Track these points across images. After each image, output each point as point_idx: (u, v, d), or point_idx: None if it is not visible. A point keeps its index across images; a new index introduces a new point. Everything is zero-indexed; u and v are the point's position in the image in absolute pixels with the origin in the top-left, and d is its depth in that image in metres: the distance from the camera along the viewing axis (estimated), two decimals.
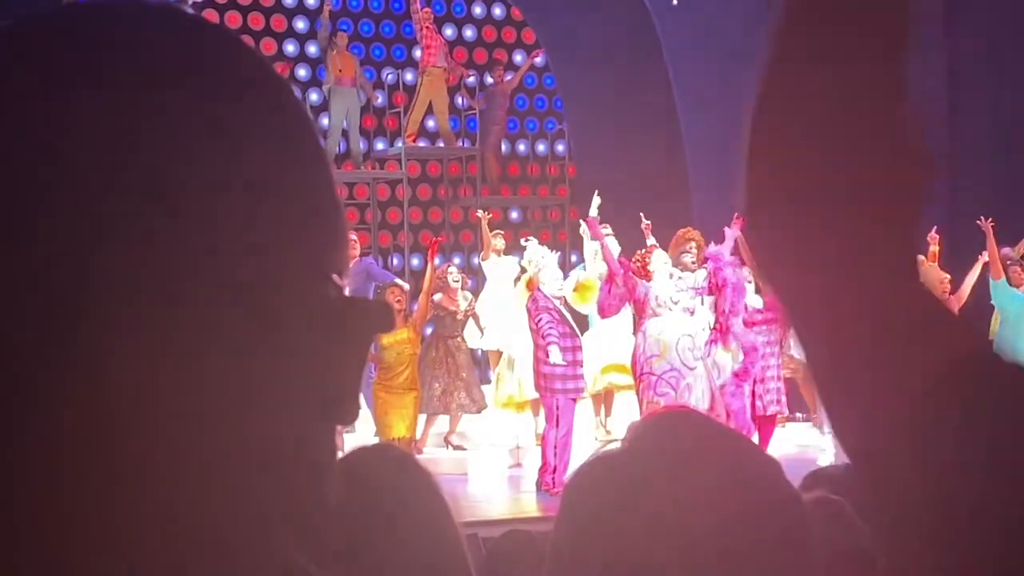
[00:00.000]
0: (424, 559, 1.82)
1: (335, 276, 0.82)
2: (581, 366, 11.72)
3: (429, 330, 12.95)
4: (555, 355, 11.40)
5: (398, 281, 13.71)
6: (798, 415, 13.96)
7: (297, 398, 0.79)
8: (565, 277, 12.55)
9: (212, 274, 0.75)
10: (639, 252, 11.96)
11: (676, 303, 11.44)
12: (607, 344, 12.90)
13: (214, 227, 0.75)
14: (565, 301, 12.25)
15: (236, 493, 0.77)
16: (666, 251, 11.78)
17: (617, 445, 1.54)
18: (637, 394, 11.66)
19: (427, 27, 17.38)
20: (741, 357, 11.81)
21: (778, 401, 12.21)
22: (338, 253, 0.83)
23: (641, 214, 12.48)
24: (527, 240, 13.54)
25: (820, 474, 3.64)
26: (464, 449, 12.99)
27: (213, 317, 0.75)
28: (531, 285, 11.97)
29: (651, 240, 12.22)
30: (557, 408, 11.47)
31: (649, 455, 1.44)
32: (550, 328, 11.52)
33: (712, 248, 11.84)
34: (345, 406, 0.82)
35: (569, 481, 1.54)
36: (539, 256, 12.71)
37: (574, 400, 11.68)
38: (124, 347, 0.73)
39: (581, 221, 13.55)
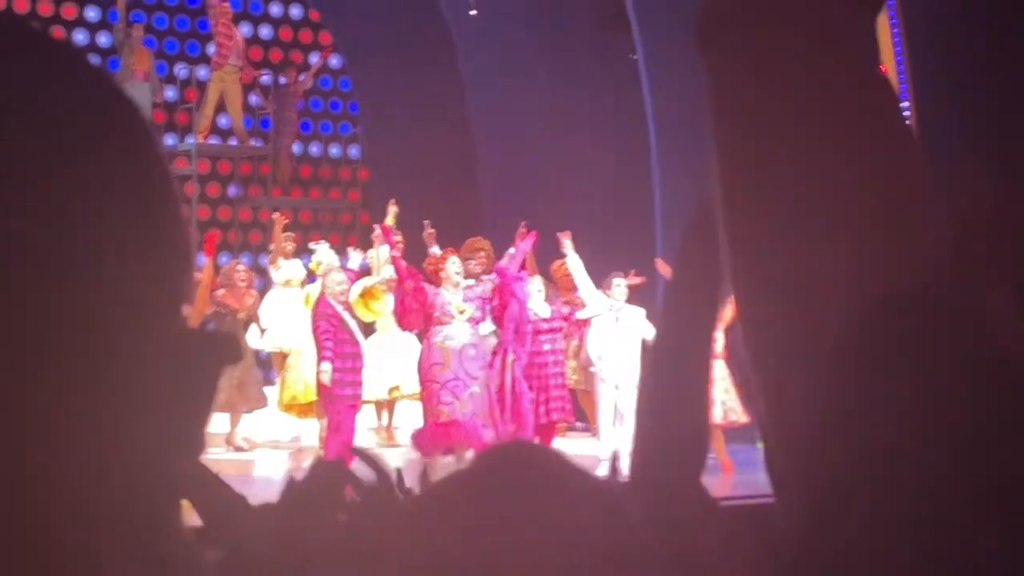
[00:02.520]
0: None
1: (182, 306, 0.80)
2: (360, 373, 11.71)
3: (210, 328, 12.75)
4: (325, 373, 11.41)
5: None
6: (578, 424, 14.14)
7: (144, 432, 0.77)
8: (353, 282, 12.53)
9: (57, 307, 0.73)
10: (432, 256, 12.01)
11: (462, 312, 11.53)
12: (391, 350, 12.90)
13: (58, 258, 0.73)
14: (349, 306, 12.21)
15: (76, 522, 0.74)
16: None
17: (463, 468, 1.51)
18: (421, 401, 11.71)
19: (223, 23, 17.13)
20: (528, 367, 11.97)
21: (562, 409, 12.38)
22: (184, 283, 0.80)
23: (426, 222, 12.53)
24: (317, 243, 13.48)
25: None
26: (245, 450, 12.84)
27: (58, 350, 0.73)
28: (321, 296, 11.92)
29: (435, 249, 12.26)
30: (338, 414, 11.46)
31: (494, 485, 1.43)
32: (326, 339, 11.49)
33: (501, 262, 11.96)
34: (192, 439, 0.80)
35: (417, 497, 1.52)
36: (329, 260, 12.67)
37: (354, 407, 11.66)
38: None
39: (375, 227, 13.55)
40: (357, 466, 1.78)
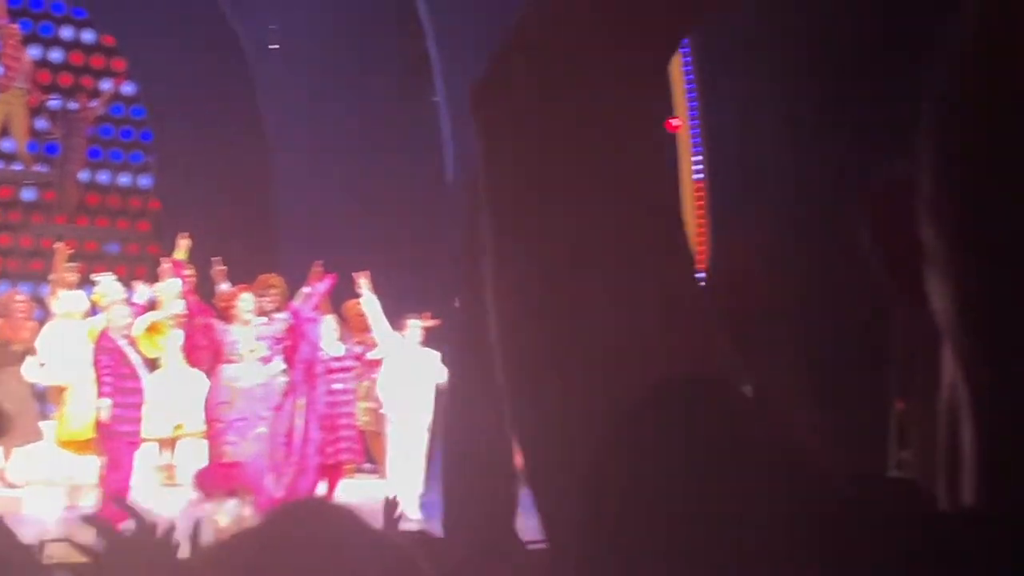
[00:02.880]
0: None
1: None
2: (141, 409, 11.43)
3: None
4: (104, 409, 11.13)
5: None
6: (367, 466, 14.06)
7: None
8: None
9: None
10: (223, 292, 11.79)
11: (252, 351, 11.35)
12: (177, 387, 12.61)
13: None
14: (133, 341, 11.90)
15: None
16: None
17: (254, 524, 1.50)
18: (206, 440, 11.48)
19: (11, 44, 16.66)
20: (320, 407, 11.85)
21: (351, 450, 12.29)
22: None
23: (213, 259, 12.28)
24: (101, 275, 13.11)
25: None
26: (17, 487, 12.40)
27: None
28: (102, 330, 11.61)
29: (225, 286, 12.03)
30: (116, 451, 11.17)
31: (285, 542, 1.41)
32: (106, 374, 11.24)
33: (295, 302, 11.86)
34: None
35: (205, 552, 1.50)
36: (113, 292, 12.34)
37: (133, 444, 11.38)
38: None
39: (162, 260, 13.25)
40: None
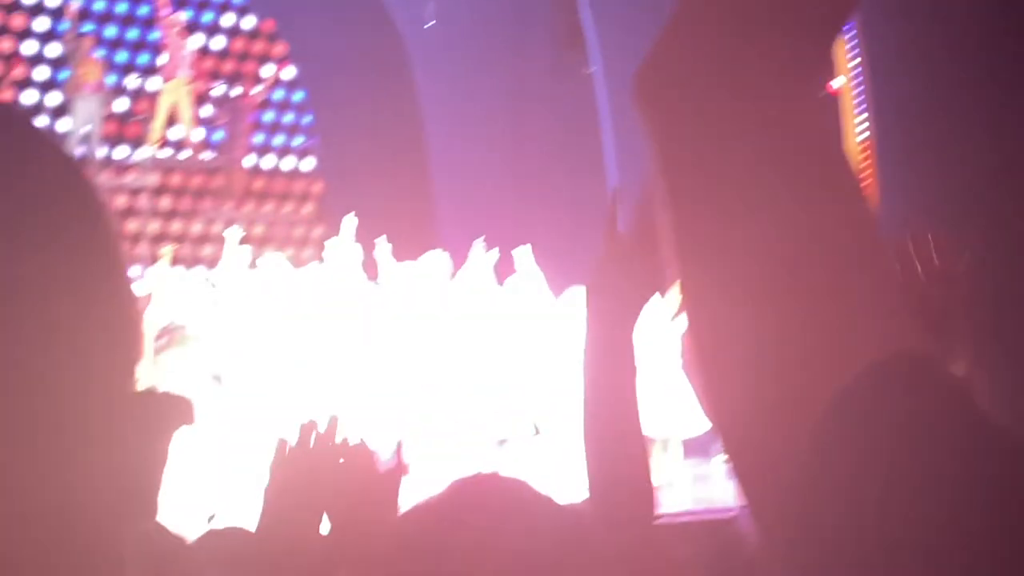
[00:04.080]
0: None
1: (134, 369, 0.79)
2: None
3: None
4: None
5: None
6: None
7: (95, 495, 0.76)
8: None
9: (16, 376, 0.73)
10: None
11: None
12: None
13: (17, 327, 0.73)
14: None
15: None
16: None
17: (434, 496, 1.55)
18: None
19: (174, 34, 17.03)
20: None
21: None
22: (134, 346, 0.80)
23: (375, 239, 12.43)
24: (266, 256, 13.38)
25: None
26: None
27: (9, 421, 0.72)
28: None
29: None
30: None
31: (460, 515, 1.45)
32: None
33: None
34: (146, 501, 0.80)
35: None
36: (278, 270, 12.59)
37: None
38: None
39: (325, 244, 13.48)
40: None
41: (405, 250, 12.54)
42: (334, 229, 13.98)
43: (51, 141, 0.79)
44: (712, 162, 0.90)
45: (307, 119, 19.24)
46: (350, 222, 12.86)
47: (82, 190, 0.79)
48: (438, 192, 17.22)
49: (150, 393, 0.81)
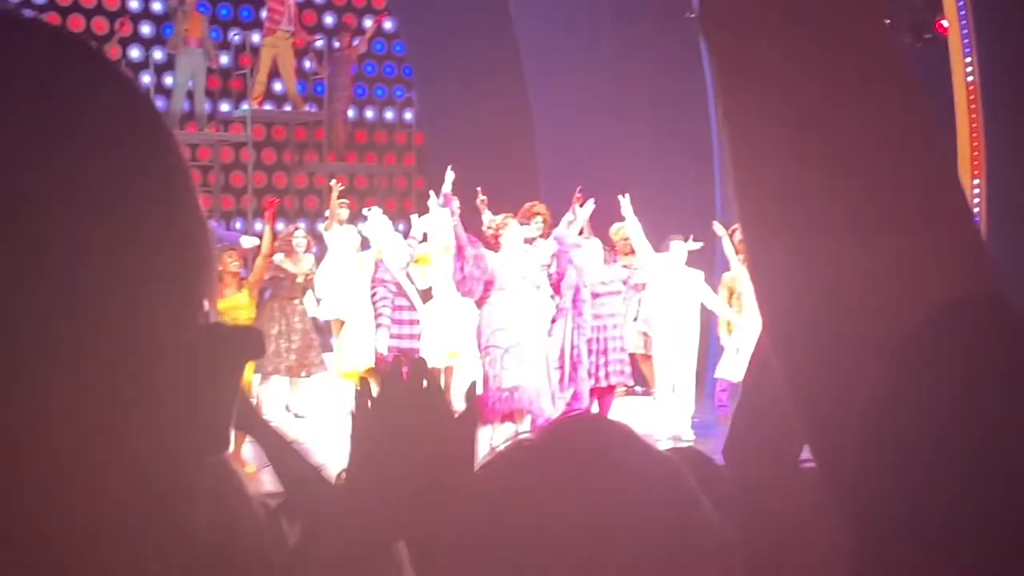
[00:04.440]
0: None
1: (204, 302, 0.79)
2: (418, 340, 11.71)
3: (268, 294, 12.79)
4: (381, 340, 11.42)
5: (243, 240, 13.56)
6: (638, 389, 14.13)
7: (166, 429, 0.76)
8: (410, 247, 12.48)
9: (79, 307, 0.72)
10: (492, 222, 11.93)
11: (523, 278, 11.49)
12: (450, 317, 12.88)
13: (78, 256, 0.72)
14: (408, 273, 12.21)
15: (106, 522, 0.74)
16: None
17: (529, 438, 1.55)
18: (482, 368, 11.69)
19: None
20: (587, 331, 11.94)
21: (621, 372, 12.34)
22: (206, 278, 0.80)
23: (478, 189, 12.42)
24: (369, 209, 13.45)
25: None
26: (304, 417, 12.90)
27: (76, 348, 0.72)
28: (378, 258, 11.99)
29: (487, 216, 12.17)
30: None
31: (562, 454, 1.46)
32: (383, 306, 11.54)
33: (559, 230, 11.92)
34: (216, 436, 0.80)
35: (484, 463, 1.55)
36: (381, 226, 12.64)
37: None
38: None
39: (431, 193, 13.49)
40: None
41: (505, 200, 12.53)
42: (435, 180, 14.03)
43: (114, 67, 0.79)
44: (780, 98, 0.89)
45: (407, 70, 19.29)
46: (450, 173, 12.88)
47: (151, 123, 0.79)
48: (539, 141, 17.18)
49: (220, 325, 0.81)
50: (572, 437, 1.52)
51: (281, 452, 2.76)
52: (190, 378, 0.77)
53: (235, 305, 11.35)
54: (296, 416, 12.88)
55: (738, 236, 12.12)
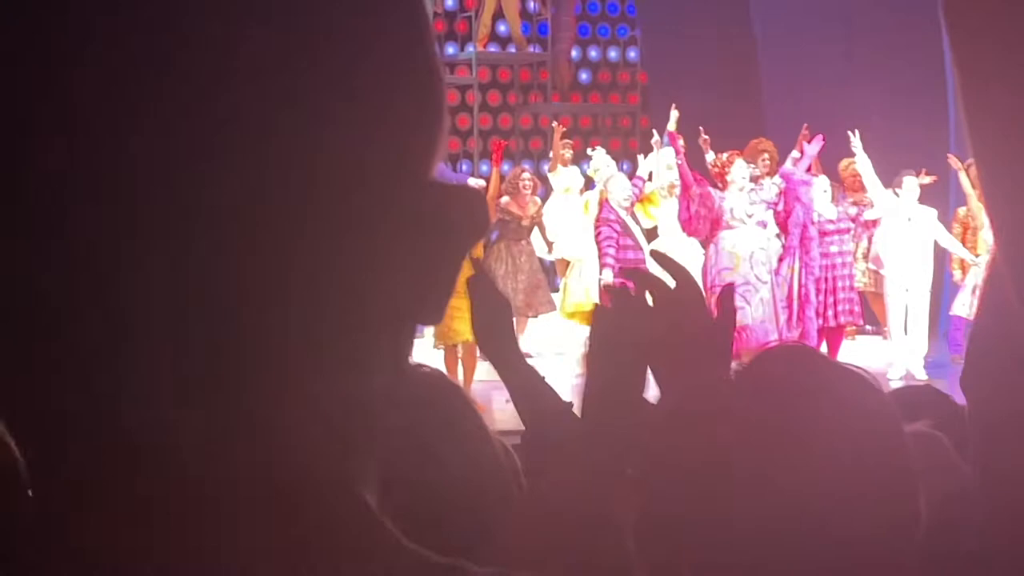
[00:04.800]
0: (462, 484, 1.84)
1: (435, 158, 0.76)
2: None
3: (495, 236, 12.94)
4: (606, 276, 11.42)
5: (469, 182, 13.73)
6: (868, 328, 13.88)
7: (387, 293, 0.74)
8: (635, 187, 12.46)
9: (305, 160, 0.71)
10: (718, 160, 11.82)
11: (750, 216, 11.37)
12: (675, 256, 12.79)
13: (303, 110, 0.71)
14: (633, 212, 12.20)
15: (316, 385, 0.73)
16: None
17: (737, 369, 1.56)
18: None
19: None
20: (816, 270, 11.78)
21: (851, 311, 12.14)
22: (440, 131, 0.77)
23: (701, 128, 12.28)
24: (594, 149, 13.46)
25: (903, 394, 3.56)
26: (531, 356, 13.05)
27: (306, 204, 0.71)
28: (602, 198, 11.99)
29: (710, 156, 12.03)
30: None
31: (771, 386, 1.47)
32: (608, 245, 11.54)
33: (786, 167, 11.75)
34: (435, 303, 0.76)
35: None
36: (605, 165, 12.64)
37: None
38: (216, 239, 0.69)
39: (654, 132, 13.43)
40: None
41: (731, 139, 12.40)
42: (660, 118, 13.96)
43: None
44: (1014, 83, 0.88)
45: (631, 8, 19.18)
46: (675, 112, 12.79)
47: None
48: (765, 77, 16.91)
49: (447, 186, 0.77)
50: (779, 368, 1.52)
51: (532, 385, 2.75)
52: (415, 238, 0.74)
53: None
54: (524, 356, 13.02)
55: (974, 171, 11.78)
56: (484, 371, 11.85)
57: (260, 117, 0.69)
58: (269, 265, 0.70)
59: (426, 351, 11.42)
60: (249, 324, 0.71)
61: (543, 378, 2.71)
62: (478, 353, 11.98)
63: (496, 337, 2.67)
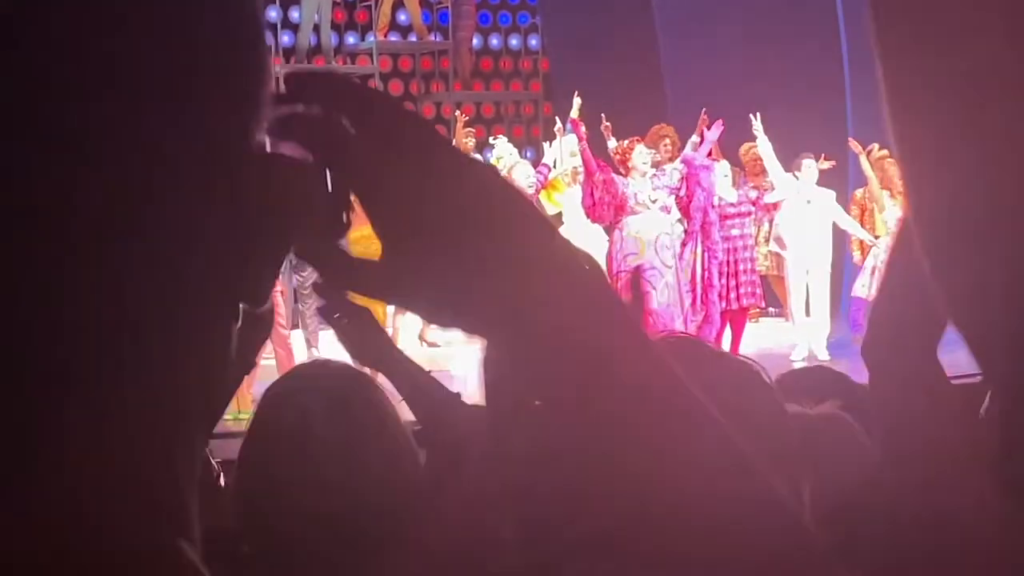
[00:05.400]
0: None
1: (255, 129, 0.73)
2: None
3: None
4: None
5: None
6: (771, 310, 14.03)
7: (205, 270, 0.71)
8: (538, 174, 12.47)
9: (115, 135, 0.68)
10: (620, 146, 11.86)
11: (654, 202, 11.43)
12: (580, 242, 12.84)
13: (113, 87, 0.68)
14: (537, 199, 12.20)
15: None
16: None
17: None
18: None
19: None
20: (719, 254, 11.87)
21: (753, 294, 12.25)
22: (258, 105, 0.73)
23: (603, 115, 12.32)
24: (496, 138, 13.45)
25: (802, 376, 3.58)
26: (438, 346, 13.02)
27: (125, 176, 0.69)
28: None
29: (612, 142, 12.08)
30: None
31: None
32: None
33: (687, 152, 11.81)
34: (255, 288, 0.74)
35: None
36: (508, 153, 12.64)
37: None
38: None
39: (557, 119, 13.45)
40: None
41: (633, 124, 12.45)
42: (562, 105, 13.98)
43: None
44: (933, 67, 0.87)
45: None
46: (577, 99, 12.82)
47: None
48: (665, 62, 17.00)
49: (278, 157, 0.74)
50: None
51: (417, 383, 2.79)
52: (236, 208, 0.71)
53: (367, 234, 11.38)
54: (430, 345, 13.02)
55: (875, 154, 11.94)
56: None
57: (59, 95, 0.67)
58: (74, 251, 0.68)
59: (332, 342, 11.37)
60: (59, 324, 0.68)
61: (426, 372, 2.77)
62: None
63: (369, 349, 2.72)
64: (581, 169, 11.95)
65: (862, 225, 12.58)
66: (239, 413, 9.34)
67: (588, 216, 11.99)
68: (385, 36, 17.74)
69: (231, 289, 0.74)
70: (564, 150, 13.00)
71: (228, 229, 0.71)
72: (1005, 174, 0.83)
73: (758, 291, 12.36)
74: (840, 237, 12.62)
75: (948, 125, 0.85)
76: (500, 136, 13.54)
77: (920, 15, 0.86)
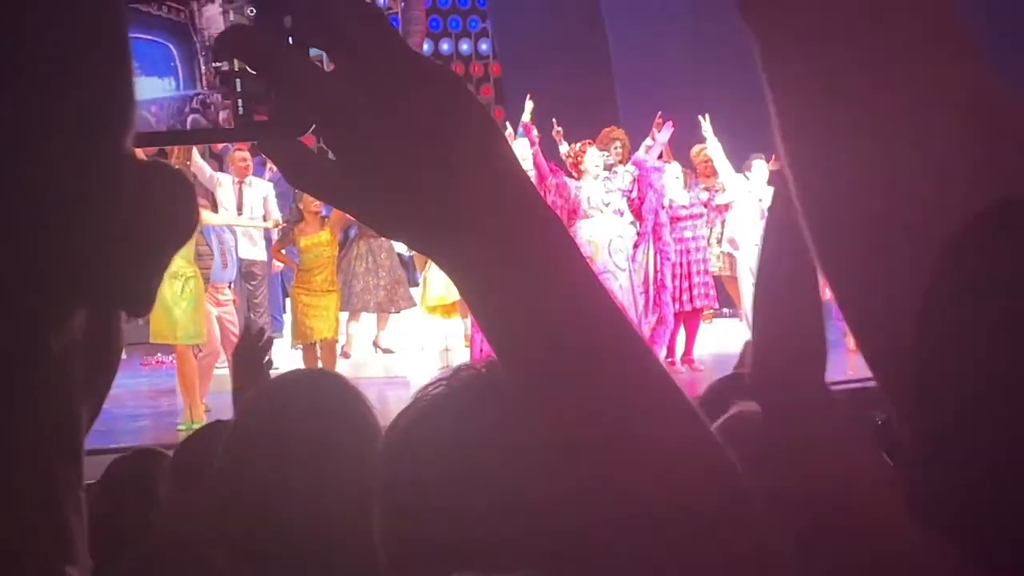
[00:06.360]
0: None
1: (125, 135, 0.72)
2: None
3: (353, 232, 12.85)
4: None
5: None
6: (725, 311, 14.08)
7: (77, 273, 0.69)
8: None
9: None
10: (572, 149, 11.88)
11: (607, 204, 11.46)
12: None
13: None
14: None
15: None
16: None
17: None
18: None
19: None
20: (671, 255, 11.91)
21: (707, 295, 12.30)
22: (128, 111, 0.72)
23: (554, 120, 12.34)
24: None
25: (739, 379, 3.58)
26: (392, 352, 13.00)
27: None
28: None
29: (564, 147, 12.10)
30: None
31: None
32: None
33: (638, 155, 11.85)
34: (137, 286, 0.73)
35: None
36: None
37: None
38: None
39: (507, 124, 13.45)
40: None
41: (585, 127, 12.47)
42: (514, 110, 13.99)
43: None
44: (819, 77, 0.91)
45: (481, 0, 19.19)
46: (529, 103, 12.83)
47: None
48: (616, 66, 17.05)
49: (157, 163, 0.73)
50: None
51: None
52: (111, 211, 0.70)
53: (317, 242, 11.41)
54: (384, 351, 12.99)
55: None
56: (346, 368, 11.82)
57: None
58: None
59: (284, 351, 11.33)
60: None
61: None
62: (338, 351, 11.92)
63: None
64: (533, 173, 11.96)
65: None
66: (191, 423, 9.32)
67: None
68: None
69: (113, 294, 0.73)
70: (518, 154, 12.95)
71: (105, 229, 0.70)
72: (885, 176, 0.85)
73: (711, 292, 12.41)
74: None
75: (829, 137, 0.87)
76: None
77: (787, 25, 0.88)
